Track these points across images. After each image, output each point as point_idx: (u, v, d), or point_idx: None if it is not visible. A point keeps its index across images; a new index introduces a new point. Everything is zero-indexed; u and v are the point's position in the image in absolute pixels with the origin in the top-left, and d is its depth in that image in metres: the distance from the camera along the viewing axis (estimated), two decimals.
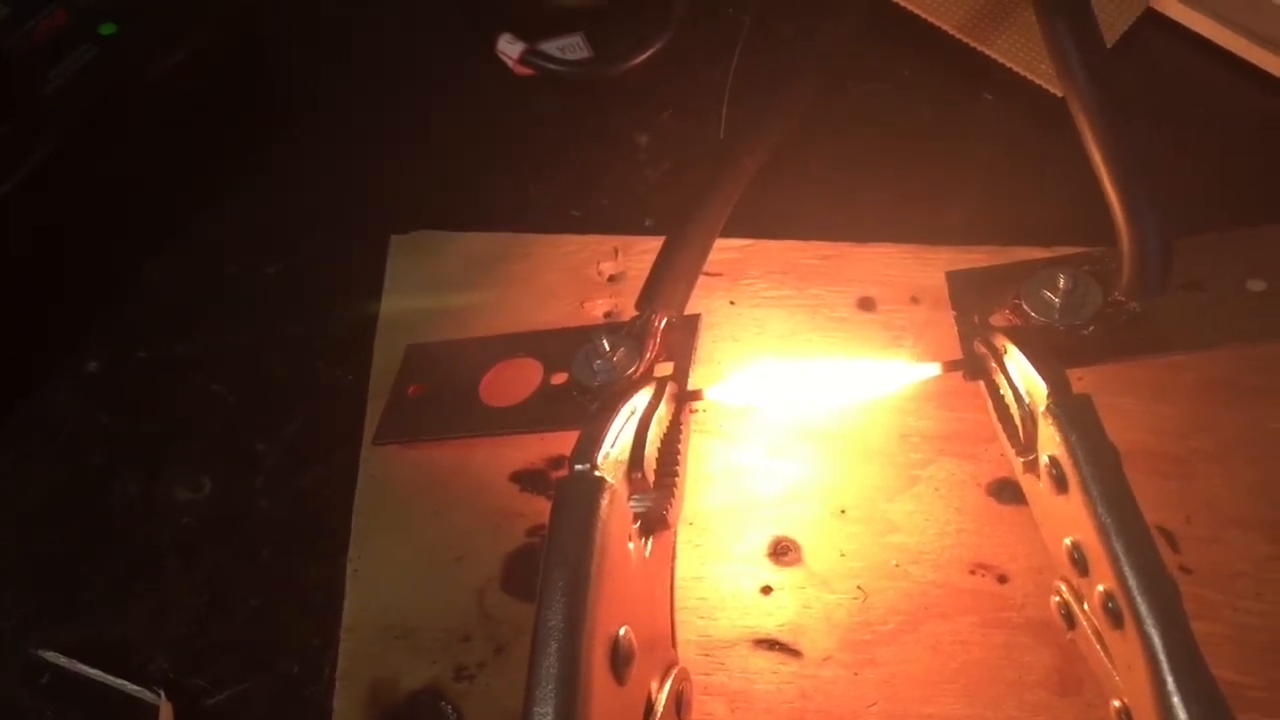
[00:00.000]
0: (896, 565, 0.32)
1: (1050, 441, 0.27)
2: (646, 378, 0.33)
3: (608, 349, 0.33)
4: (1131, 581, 0.24)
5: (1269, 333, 0.33)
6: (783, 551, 0.33)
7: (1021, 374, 0.29)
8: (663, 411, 0.31)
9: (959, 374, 0.33)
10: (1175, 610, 0.24)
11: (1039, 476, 0.29)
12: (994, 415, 0.32)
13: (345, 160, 0.43)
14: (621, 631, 0.25)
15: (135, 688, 0.32)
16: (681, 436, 0.32)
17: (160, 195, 0.41)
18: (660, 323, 0.34)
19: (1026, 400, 0.29)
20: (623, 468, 0.28)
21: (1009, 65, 0.42)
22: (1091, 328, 0.33)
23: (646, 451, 0.29)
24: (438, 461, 0.35)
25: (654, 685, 0.27)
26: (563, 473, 0.29)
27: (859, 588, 0.32)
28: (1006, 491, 0.33)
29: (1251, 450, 0.33)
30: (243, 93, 0.44)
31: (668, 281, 0.34)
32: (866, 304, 0.37)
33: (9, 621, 0.34)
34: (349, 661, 0.32)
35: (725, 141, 0.41)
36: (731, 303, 0.37)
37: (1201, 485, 0.32)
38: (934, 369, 0.33)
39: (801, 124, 0.39)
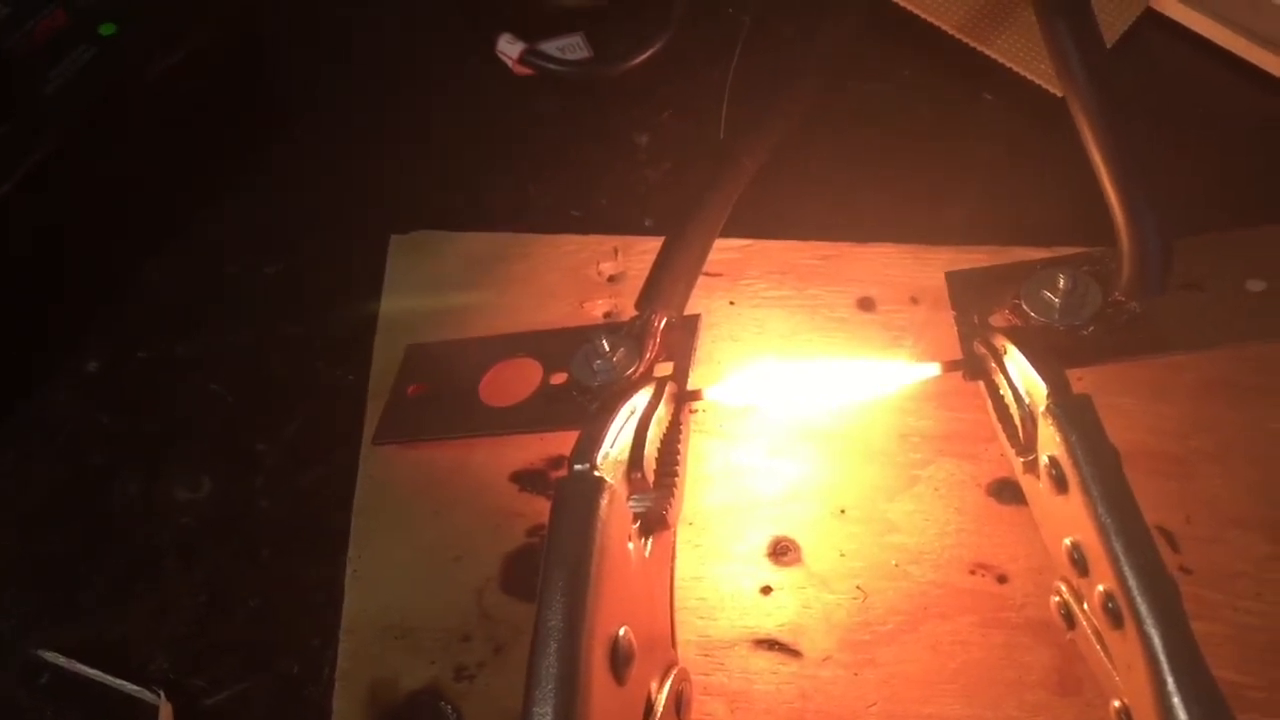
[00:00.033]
0: (896, 565, 0.32)
1: (1050, 442, 0.27)
2: (646, 378, 0.33)
3: (607, 349, 0.33)
4: (1131, 581, 0.24)
5: (1269, 333, 0.33)
6: (782, 551, 0.33)
7: (1021, 374, 0.29)
8: (662, 411, 0.31)
9: (959, 374, 0.33)
10: (1175, 610, 0.24)
11: (1039, 477, 0.29)
12: (994, 415, 0.32)
13: (345, 160, 0.43)
14: (621, 632, 0.25)
15: (135, 688, 0.32)
16: (681, 436, 0.32)
17: (160, 195, 0.41)
18: (660, 323, 0.34)
19: (1026, 400, 0.29)
20: (622, 468, 0.28)
21: (1009, 65, 0.42)
22: (1091, 328, 0.33)
23: (646, 451, 0.29)
24: (437, 461, 0.35)
25: (654, 685, 0.27)
26: (562, 473, 0.29)
27: (859, 588, 0.32)
28: (1006, 491, 0.33)
29: (1251, 450, 0.33)
30: (243, 93, 0.44)
31: (667, 281, 0.34)
32: (866, 304, 0.37)
33: (9, 621, 0.34)
34: (349, 661, 0.32)
35: (725, 141, 0.41)
36: (731, 303, 0.37)
37: (1201, 485, 0.32)
38: (934, 369, 0.33)
39: (801, 124, 0.39)
